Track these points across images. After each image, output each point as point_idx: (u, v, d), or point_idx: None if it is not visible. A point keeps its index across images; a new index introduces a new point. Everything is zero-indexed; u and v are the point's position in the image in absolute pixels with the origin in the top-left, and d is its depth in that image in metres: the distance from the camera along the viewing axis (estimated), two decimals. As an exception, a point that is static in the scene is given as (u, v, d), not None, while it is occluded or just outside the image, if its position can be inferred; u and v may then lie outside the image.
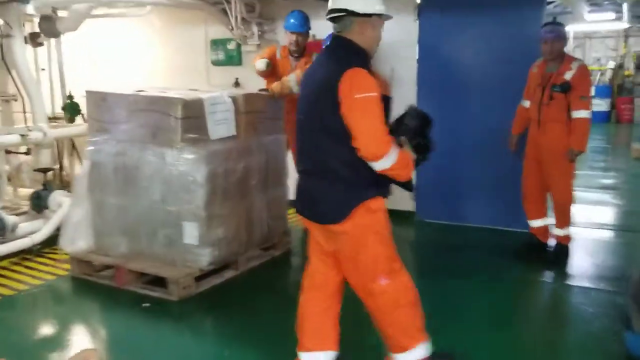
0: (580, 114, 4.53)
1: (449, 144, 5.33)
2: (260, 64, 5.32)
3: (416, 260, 5.16)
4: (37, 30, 5.96)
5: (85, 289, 4.49)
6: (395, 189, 2.87)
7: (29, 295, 4.37)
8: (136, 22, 7.37)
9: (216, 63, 7.19)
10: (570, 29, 12.56)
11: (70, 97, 6.56)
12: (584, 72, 4.61)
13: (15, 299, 4.30)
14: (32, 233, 5.04)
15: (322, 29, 6.04)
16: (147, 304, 4.10)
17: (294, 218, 6.08)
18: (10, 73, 5.47)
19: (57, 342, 3.70)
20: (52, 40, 6.52)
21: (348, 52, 2.68)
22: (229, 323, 3.86)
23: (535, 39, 4.82)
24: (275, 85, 4.94)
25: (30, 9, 5.04)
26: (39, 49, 6.67)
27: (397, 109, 2.89)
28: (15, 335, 3.76)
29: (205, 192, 4.17)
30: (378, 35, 2.75)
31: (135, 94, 4.36)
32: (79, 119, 6.62)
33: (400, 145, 2.71)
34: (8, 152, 5.82)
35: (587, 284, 4.44)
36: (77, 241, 4.61)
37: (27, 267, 4.91)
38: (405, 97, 4.45)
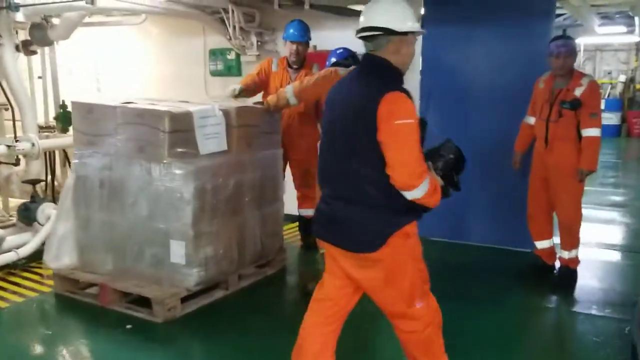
0: (590, 132, 4.33)
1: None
2: (229, 90, 5.12)
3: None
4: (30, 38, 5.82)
5: (69, 307, 4.31)
6: None
7: (9, 313, 4.20)
8: (133, 31, 7.23)
9: (215, 73, 7.01)
10: (581, 41, 12.42)
11: (63, 106, 6.39)
12: (594, 88, 4.41)
13: (-5, 317, 4.14)
14: (18, 247, 4.87)
15: (322, 40, 5.93)
16: (130, 326, 3.91)
17: (289, 235, 5.92)
18: (-1, 82, 5.34)
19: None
20: (46, 48, 6.38)
21: (384, 73, 2.55)
22: (217, 347, 3.67)
23: (543, 53, 4.62)
24: (271, 98, 4.72)
25: (20, 16, 4.90)
26: (35, 57, 6.53)
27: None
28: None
29: (193, 209, 3.99)
30: (412, 53, 2.64)
31: (123, 106, 4.18)
32: (72, 129, 6.45)
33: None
34: (-1, 162, 5.68)
35: (593, 311, 4.24)
36: (62, 257, 4.44)
37: (11, 282, 4.74)
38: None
